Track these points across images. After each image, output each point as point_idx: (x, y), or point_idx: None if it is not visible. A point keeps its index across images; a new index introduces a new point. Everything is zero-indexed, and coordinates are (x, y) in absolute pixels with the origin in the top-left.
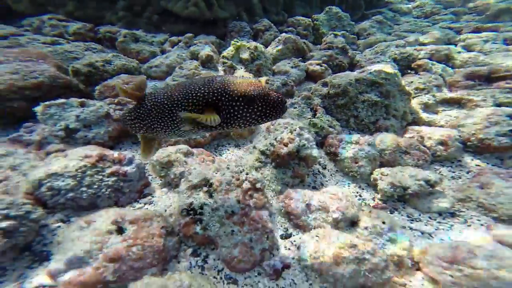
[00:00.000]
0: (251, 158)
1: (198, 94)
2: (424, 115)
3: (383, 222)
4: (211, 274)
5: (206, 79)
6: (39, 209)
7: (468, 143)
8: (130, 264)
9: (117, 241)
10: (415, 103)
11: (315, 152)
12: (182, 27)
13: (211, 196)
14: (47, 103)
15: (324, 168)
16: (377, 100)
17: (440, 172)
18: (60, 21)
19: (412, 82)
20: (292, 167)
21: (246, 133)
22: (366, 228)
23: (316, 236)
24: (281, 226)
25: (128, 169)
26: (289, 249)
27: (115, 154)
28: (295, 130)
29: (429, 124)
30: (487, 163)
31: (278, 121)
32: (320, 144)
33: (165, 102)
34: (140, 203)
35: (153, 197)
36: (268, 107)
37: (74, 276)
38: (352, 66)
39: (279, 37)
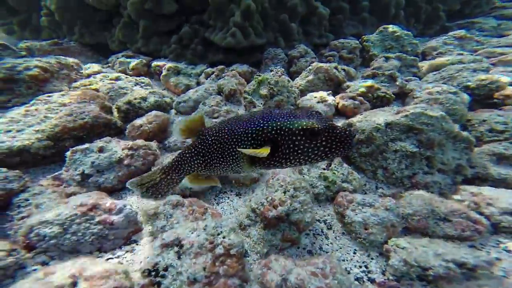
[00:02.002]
0: (244, 213)
1: (258, 128)
2: (496, 170)
3: None
4: None
5: (265, 111)
6: (21, 253)
7: None
8: None
9: None
10: (484, 152)
11: (308, 217)
12: (221, 56)
13: (179, 258)
14: (74, 148)
15: (329, 229)
16: (414, 151)
17: (505, 246)
18: (128, 57)
19: (484, 121)
20: (282, 230)
21: (248, 182)
22: None
23: None
24: None
25: (116, 218)
26: None
27: (108, 203)
28: (288, 191)
29: (503, 182)
30: None
31: (277, 175)
32: (331, 199)
33: (226, 137)
34: (123, 250)
35: (137, 245)
36: (334, 141)
37: None
38: (403, 97)
39: (310, 67)
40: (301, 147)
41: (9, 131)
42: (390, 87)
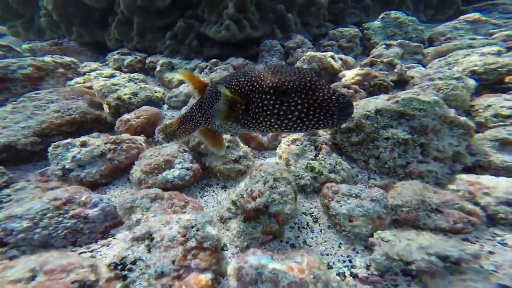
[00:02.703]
0: (224, 206)
1: (235, 83)
2: (499, 158)
3: None
4: None
5: (258, 66)
6: None
7: None
8: None
9: None
10: (486, 138)
11: (288, 208)
12: (217, 51)
13: (149, 251)
14: (56, 143)
15: (315, 222)
16: (407, 138)
17: (503, 240)
18: (123, 55)
19: (490, 106)
20: (263, 222)
21: (234, 175)
22: None
23: None
24: None
25: (91, 212)
26: None
27: (83, 197)
28: (268, 182)
29: (507, 170)
30: None
31: (261, 166)
32: (319, 191)
33: (213, 90)
34: (98, 244)
35: (114, 239)
36: (311, 106)
37: None
38: (403, 84)
39: (303, 56)
40: (270, 107)
41: None
42: (389, 74)
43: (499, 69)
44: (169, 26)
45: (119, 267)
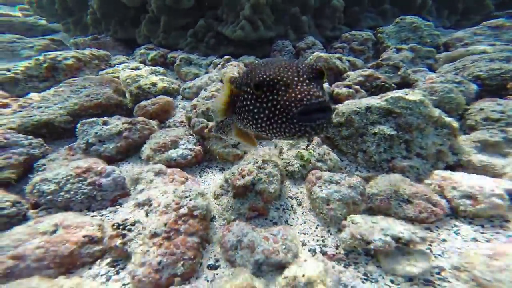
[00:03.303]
0: (218, 183)
1: (237, 76)
2: (479, 158)
3: (303, 275)
4: (113, 285)
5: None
6: (24, 206)
7: None
8: (28, 263)
9: (36, 241)
10: (470, 139)
11: (272, 188)
12: (232, 49)
13: (147, 215)
14: (83, 120)
15: (299, 205)
16: (392, 134)
17: (458, 230)
18: (148, 49)
19: (482, 109)
20: (249, 199)
21: (232, 158)
22: (285, 277)
23: (231, 274)
24: (214, 257)
25: (104, 181)
26: (208, 280)
27: (99, 167)
28: (257, 163)
29: (483, 170)
30: None
31: (255, 151)
32: (305, 178)
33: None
34: (107, 211)
35: (121, 207)
36: (278, 105)
37: None
38: (407, 87)
39: (310, 57)
40: (247, 101)
41: (40, 107)
42: (393, 77)
43: (503, 75)
44: (191, 25)
45: (121, 227)
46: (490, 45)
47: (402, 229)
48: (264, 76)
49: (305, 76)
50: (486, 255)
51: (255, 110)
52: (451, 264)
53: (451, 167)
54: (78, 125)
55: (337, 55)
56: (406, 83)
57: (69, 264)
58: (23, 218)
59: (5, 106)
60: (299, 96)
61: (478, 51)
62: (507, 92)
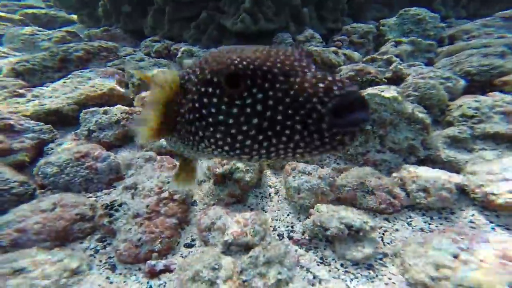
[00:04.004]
0: (202, 171)
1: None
2: (446, 153)
3: (263, 256)
4: (100, 257)
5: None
6: (32, 186)
7: (472, 194)
8: (29, 236)
9: (37, 217)
10: (441, 135)
11: (248, 176)
12: (234, 41)
13: (133, 198)
14: (86, 110)
15: (276, 193)
16: (367, 129)
17: (410, 220)
18: (154, 41)
19: (461, 106)
20: (228, 186)
21: None
22: (250, 257)
23: (202, 252)
24: (191, 237)
25: (100, 165)
26: (183, 257)
27: (96, 152)
28: None
29: (449, 165)
30: (490, 222)
31: None
32: None
33: None
34: (102, 193)
35: (115, 189)
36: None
37: None
38: (399, 82)
39: None
40: (209, 104)
41: (51, 97)
42: (386, 72)
43: (491, 71)
44: (195, 16)
45: (109, 207)
46: (499, 37)
47: (356, 218)
48: (244, 63)
49: (308, 60)
50: (417, 243)
51: (229, 121)
52: (393, 251)
53: (422, 161)
54: (81, 114)
55: (332, 48)
56: (398, 78)
57: (63, 238)
58: (30, 197)
59: (22, 95)
60: (321, 85)
61: (479, 45)
62: (491, 89)
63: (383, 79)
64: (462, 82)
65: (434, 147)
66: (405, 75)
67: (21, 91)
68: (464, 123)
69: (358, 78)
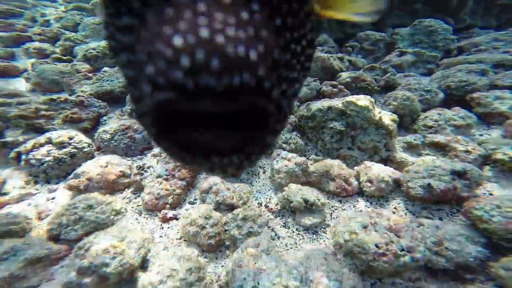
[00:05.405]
0: None
1: None
2: (401, 156)
3: (242, 213)
4: (132, 204)
5: None
6: (92, 147)
7: (402, 187)
8: (93, 184)
9: (98, 170)
10: (401, 141)
11: None
12: None
13: (157, 163)
14: None
15: (264, 173)
16: (342, 130)
17: (356, 203)
18: None
19: (426, 117)
20: None
21: None
22: (233, 214)
23: (199, 207)
24: (194, 196)
25: (137, 136)
26: (186, 210)
27: (136, 126)
28: None
29: (402, 164)
30: (406, 208)
31: None
32: None
33: None
34: (137, 158)
35: (145, 156)
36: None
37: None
38: (391, 90)
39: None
40: None
41: (108, 80)
42: (381, 80)
43: (466, 87)
44: None
45: (141, 168)
46: (505, 52)
47: (312, 196)
48: None
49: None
50: (348, 217)
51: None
52: (334, 224)
53: (384, 160)
54: (128, 96)
55: (339, 55)
56: (390, 86)
57: (111, 187)
58: (91, 156)
59: (89, 78)
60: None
61: (474, 59)
62: (465, 104)
63: (376, 88)
64: (441, 95)
65: (393, 149)
66: (396, 84)
67: (89, 74)
68: (424, 132)
69: (353, 85)
